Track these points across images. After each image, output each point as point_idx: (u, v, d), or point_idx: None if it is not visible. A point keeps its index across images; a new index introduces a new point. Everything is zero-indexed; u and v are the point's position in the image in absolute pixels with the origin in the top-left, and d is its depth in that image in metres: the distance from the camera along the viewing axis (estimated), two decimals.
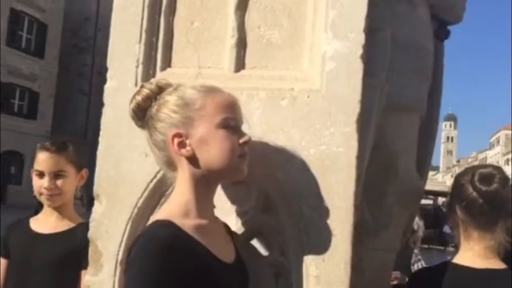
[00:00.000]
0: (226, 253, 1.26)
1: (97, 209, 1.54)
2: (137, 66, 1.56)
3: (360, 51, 1.39)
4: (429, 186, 13.48)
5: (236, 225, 1.45)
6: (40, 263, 2.06)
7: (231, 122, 1.25)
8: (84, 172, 2.15)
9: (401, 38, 1.56)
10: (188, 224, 1.19)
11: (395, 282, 4.26)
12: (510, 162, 79.71)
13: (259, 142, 1.40)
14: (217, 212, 1.42)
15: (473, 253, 1.52)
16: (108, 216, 1.52)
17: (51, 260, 2.05)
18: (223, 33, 1.54)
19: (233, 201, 1.47)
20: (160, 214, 1.23)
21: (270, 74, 1.49)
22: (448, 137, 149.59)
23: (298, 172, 1.39)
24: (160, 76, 1.52)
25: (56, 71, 28.74)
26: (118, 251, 1.49)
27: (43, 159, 2.06)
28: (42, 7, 27.51)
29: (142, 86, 1.34)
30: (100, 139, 1.56)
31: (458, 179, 1.57)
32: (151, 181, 1.49)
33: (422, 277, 1.65)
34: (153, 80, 1.41)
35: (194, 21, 1.58)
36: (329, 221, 1.36)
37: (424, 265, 4.02)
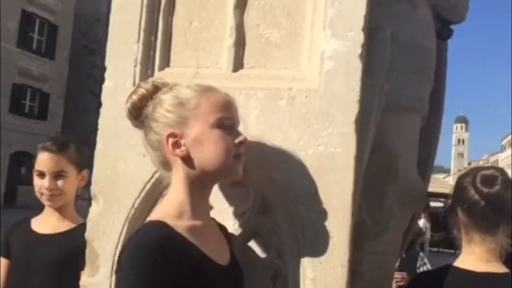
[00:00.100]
0: (220, 255, 1.24)
1: (94, 209, 1.53)
2: (135, 66, 1.55)
3: (359, 50, 1.37)
4: (439, 189, 13.36)
5: (233, 226, 1.44)
6: (40, 263, 2.05)
7: (226, 121, 1.23)
8: (85, 172, 2.15)
9: (401, 37, 1.54)
10: (181, 225, 1.18)
11: (402, 283, 4.24)
12: None
13: (256, 142, 1.38)
14: (216, 213, 1.41)
15: (474, 257, 1.49)
16: (105, 217, 1.51)
17: (52, 261, 2.05)
18: (222, 32, 1.53)
19: (230, 202, 1.45)
20: (154, 214, 1.22)
21: (269, 74, 1.47)
22: (459, 140, 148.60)
23: (295, 172, 1.37)
24: (159, 76, 1.51)
25: (66, 72, 28.91)
26: (115, 252, 1.48)
27: (43, 159, 2.06)
28: (53, 9, 27.69)
29: (138, 86, 1.33)
30: (98, 138, 1.56)
31: (460, 181, 1.55)
32: (149, 181, 1.48)
33: (423, 280, 1.62)
34: (149, 80, 1.40)
35: (193, 20, 1.56)
36: (326, 223, 1.34)
37: (430, 268, 3.98)
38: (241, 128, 1.31)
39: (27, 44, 26.61)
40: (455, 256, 1.60)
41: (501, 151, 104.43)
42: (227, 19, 1.52)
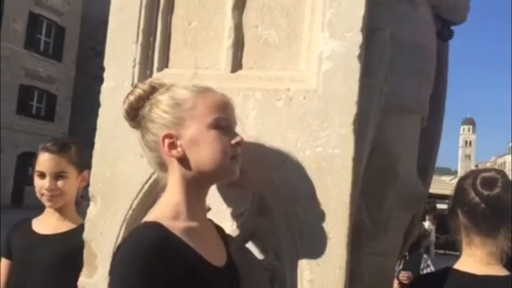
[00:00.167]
0: (216, 256, 1.23)
1: (92, 210, 1.53)
2: (134, 67, 1.55)
3: (357, 51, 1.36)
4: (446, 191, 13.29)
5: (231, 227, 1.43)
6: (41, 264, 2.05)
7: (222, 122, 1.23)
8: (86, 173, 2.14)
9: (401, 38, 1.53)
10: (177, 226, 1.17)
11: (407, 282, 4.24)
12: None
13: (254, 143, 1.37)
14: (214, 214, 1.40)
15: (475, 259, 1.47)
16: (103, 217, 1.51)
17: (52, 261, 2.05)
18: (221, 33, 1.52)
19: (228, 203, 1.45)
20: (150, 215, 1.22)
21: (267, 75, 1.47)
22: (466, 142, 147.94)
23: (293, 174, 1.36)
24: (157, 76, 1.51)
25: (73, 74, 29.02)
26: (113, 253, 1.48)
27: (44, 160, 2.06)
28: (60, 11, 27.82)
29: (135, 86, 1.33)
30: (96, 139, 1.56)
31: (460, 183, 1.53)
32: (146, 182, 1.48)
33: (423, 283, 1.61)
34: (147, 80, 1.40)
35: (192, 21, 1.56)
36: (324, 224, 1.33)
37: (433, 270, 3.96)
38: (238, 129, 1.30)
39: (35, 46, 26.73)
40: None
41: (509, 153, 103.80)
42: (226, 19, 1.52)
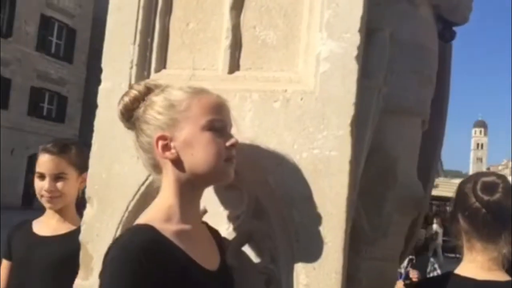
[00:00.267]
0: (209, 260, 1.22)
1: (89, 212, 1.52)
2: (131, 68, 1.54)
3: (355, 52, 1.34)
4: None
5: (227, 230, 1.41)
6: (41, 265, 2.05)
7: (217, 124, 1.21)
8: (86, 174, 2.14)
9: (400, 38, 1.50)
10: (169, 229, 1.16)
11: (415, 280, 4.23)
12: None
13: (250, 145, 1.36)
14: (210, 217, 1.38)
15: (476, 265, 1.44)
16: (99, 219, 1.50)
17: (52, 263, 2.05)
18: (219, 34, 1.51)
19: (225, 206, 1.43)
20: (142, 218, 1.20)
21: (265, 76, 1.45)
22: (477, 144, 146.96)
23: (289, 176, 1.34)
24: (155, 77, 1.50)
25: (84, 76, 29.19)
26: None
27: (44, 161, 2.06)
28: (72, 13, 28.04)
29: (130, 87, 1.32)
30: (93, 140, 1.55)
31: (461, 187, 1.50)
32: (143, 184, 1.46)
33: (424, 287, 1.58)
34: (142, 81, 1.39)
35: (190, 22, 1.55)
36: (320, 228, 1.31)
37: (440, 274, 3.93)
38: (233, 130, 1.29)
39: (46, 48, 26.96)
40: None
41: None
42: (224, 20, 1.50)
